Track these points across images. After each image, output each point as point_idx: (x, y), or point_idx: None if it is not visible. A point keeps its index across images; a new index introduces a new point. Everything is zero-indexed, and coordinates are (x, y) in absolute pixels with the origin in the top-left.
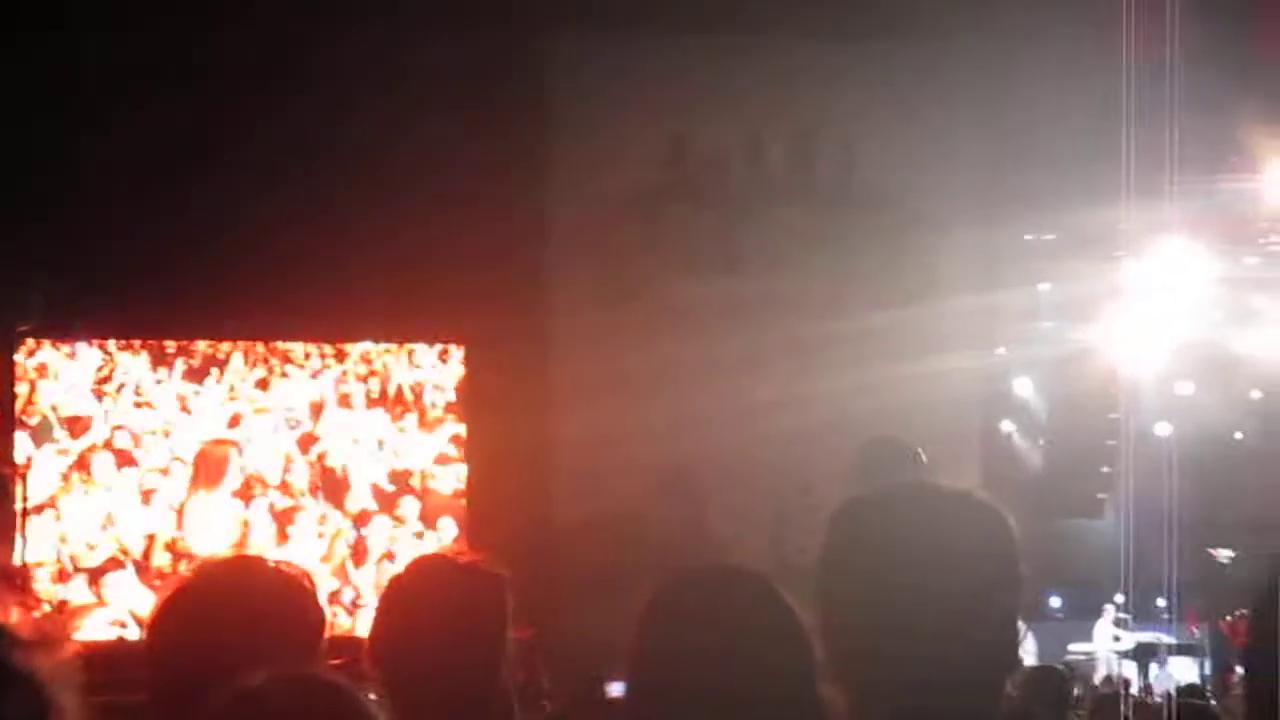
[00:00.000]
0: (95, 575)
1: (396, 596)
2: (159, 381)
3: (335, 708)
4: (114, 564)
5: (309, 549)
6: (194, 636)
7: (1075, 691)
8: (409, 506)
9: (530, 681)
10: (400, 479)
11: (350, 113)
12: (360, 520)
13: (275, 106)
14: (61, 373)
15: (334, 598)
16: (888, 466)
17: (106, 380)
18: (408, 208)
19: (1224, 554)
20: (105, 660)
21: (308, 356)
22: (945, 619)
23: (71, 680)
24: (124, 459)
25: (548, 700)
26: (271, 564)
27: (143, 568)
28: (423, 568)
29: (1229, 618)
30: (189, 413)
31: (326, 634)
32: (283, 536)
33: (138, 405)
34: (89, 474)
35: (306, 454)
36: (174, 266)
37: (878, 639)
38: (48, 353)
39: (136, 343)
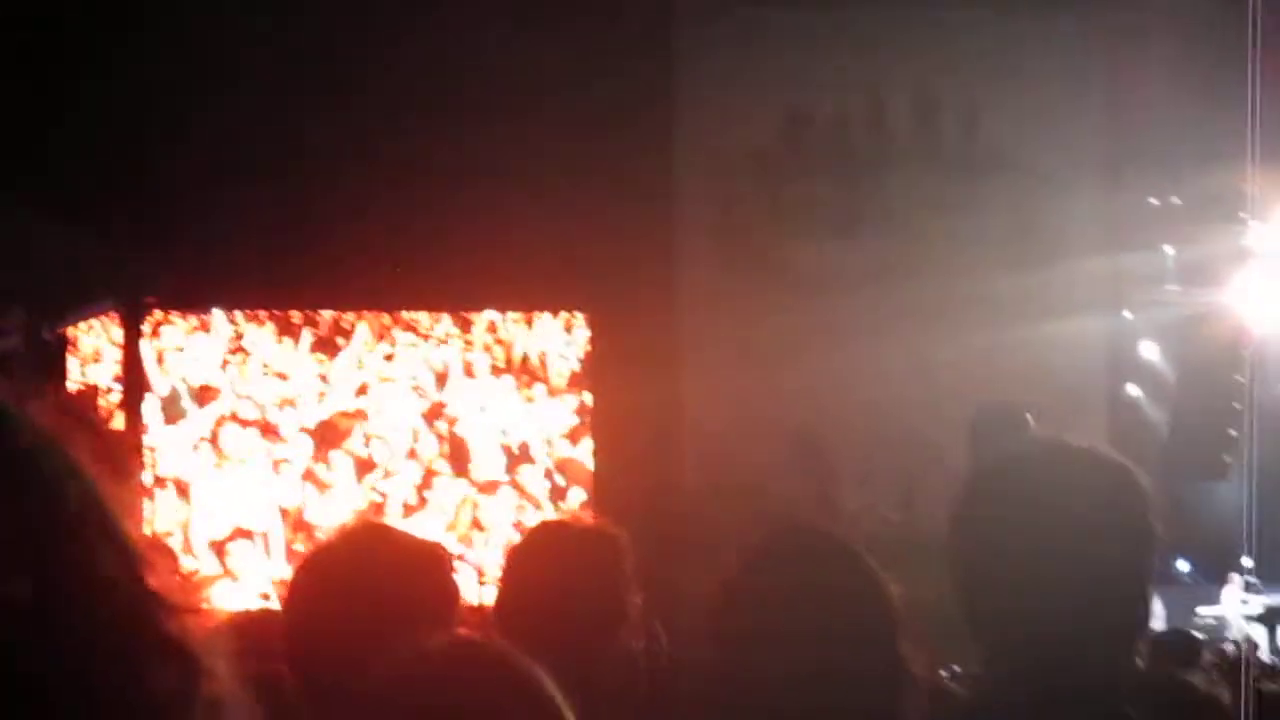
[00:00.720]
0: (221, 547)
1: (516, 561)
2: (285, 353)
3: (509, 675)
4: (240, 534)
5: (437, 519)
6: (329, 604)
7: (1204, 655)
8: (534, 476)
9: (651, 646)
10: (526, 449)
11: (471, 75)
12: (487, 489)
13: (391, 66)
14: (189, 344)
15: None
16: (999, 432)
17: (234, 352)
18: (531, 175)
19: None
20: (235, 630)
21: (433, 326)
22: (1078, 577)
23: (222, 647)
24: (252, 429)
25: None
26: (405, 533)
27: (272, 539)
28: (541, 532)
29: None
30: (317, 383)
31: (460, 604)
32: (411, 507)
33: (264, 376)
34: (218, 446)
35: (433, 424)
36: (297, 236)
37: (1012, 598)
38: (175, 325)
39: (262, 313)
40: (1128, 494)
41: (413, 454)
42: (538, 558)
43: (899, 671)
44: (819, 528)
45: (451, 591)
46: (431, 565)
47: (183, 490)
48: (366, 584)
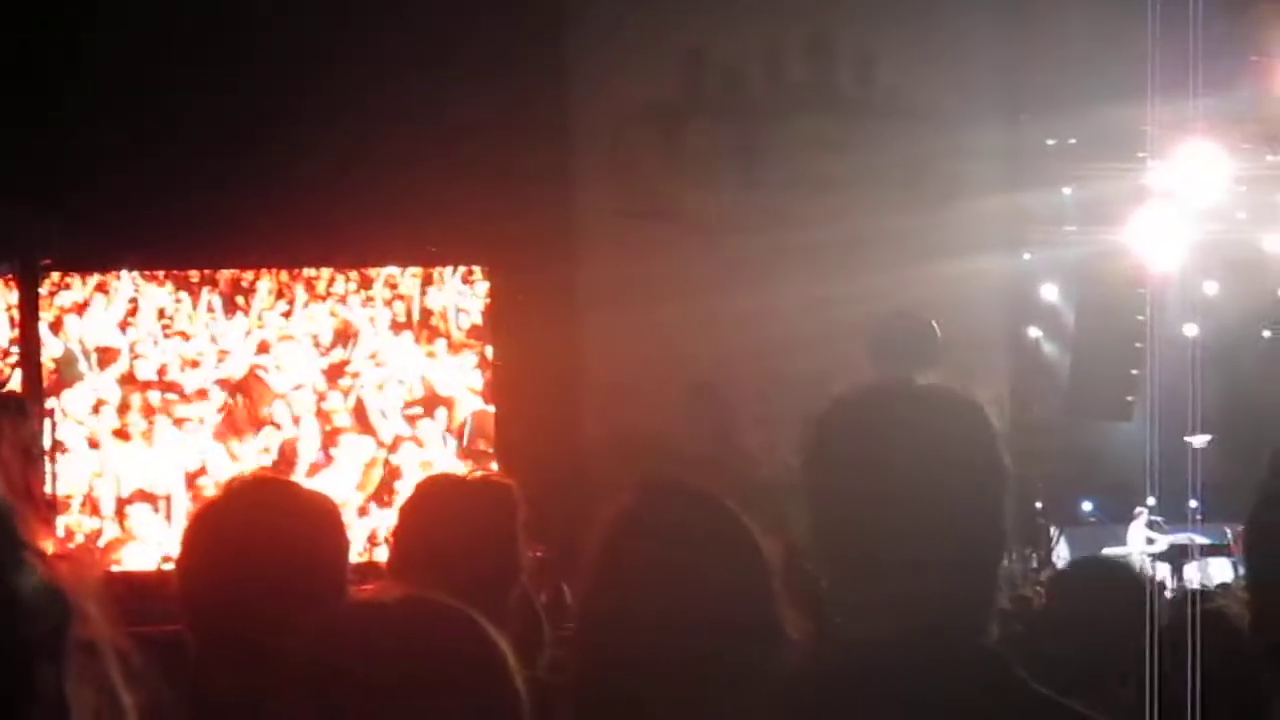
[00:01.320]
0: (120, 508)
1: (408, 516)
2: (183, 311)
3: (462, 630)
4: (141, 497)
5: (344, 477)
6: (220, 558)
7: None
8: (436, 431)
9: (554, 600)
10: (430, 403)
11: (364, 34)
12: (392, 448)
13: (290, 28)
14: (87, 305)
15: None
16: (904, 341)
17: (132, 313)
18: (426, 128)
19: (1199, 439)
20: (140, 591)
21: (332, 282)
22: (931, 513)
23: (95, 592)
24: (153, 390)
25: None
26: (294, 484)
27: (174, 501)
28: (431, 486)
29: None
30: (216, 342)
31: (348, 557)
32: (317, 465)
33: (166, 336)
34: (119, 408)
35: (335, 381)
36: (194, 195)
37: (865, 537)
38: (71, 288)
39: (160, 273)
40: (976, 430)
41: (318, 412)
42: (429, 511)
43: (771, 628)
44: (688, 483)
45: (342, 544)
46: (320, 517)
47: (84, 452)
48: (256, 536)
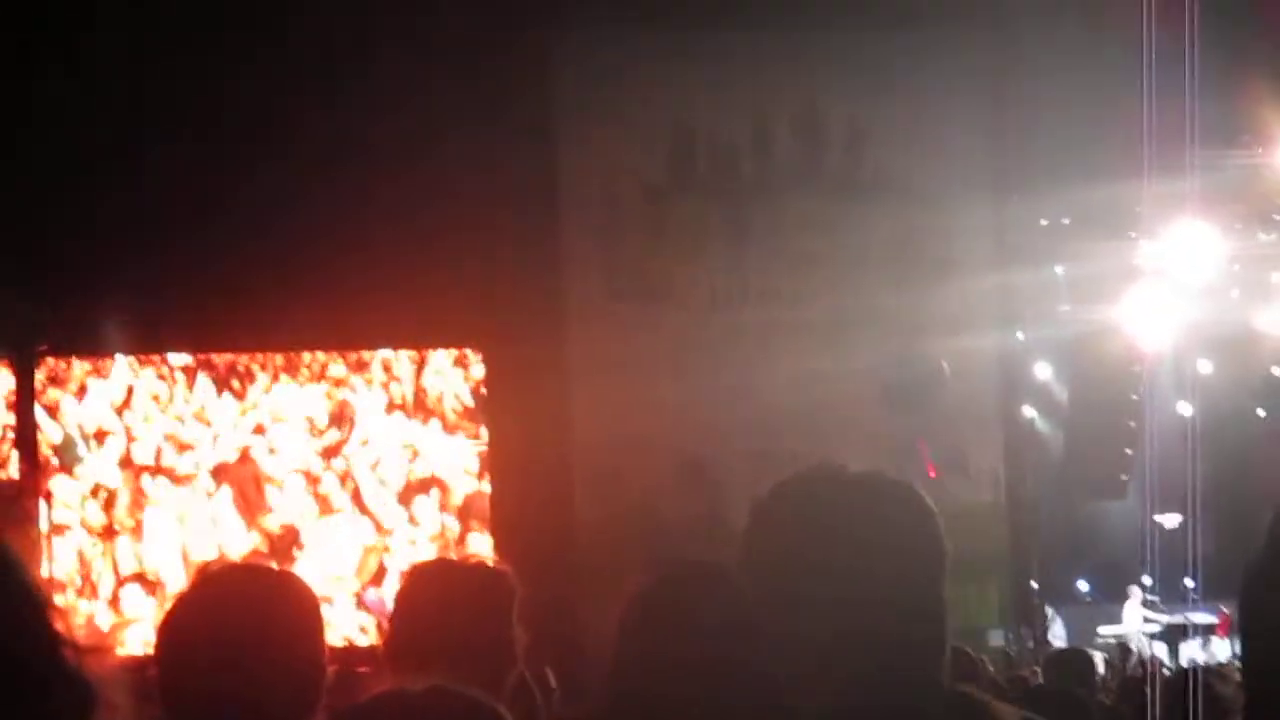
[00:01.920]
0: (116, 591)
1: (404, 599)
2: (178, 395)
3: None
4: (136, 579)
5: (338, 558)
6: (196, 645)
7: (1101, 672)
8: (431, 511)
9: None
10: (425, 486)
11: (360, 126)
12: (386, 532)
13: (283, 110)
14: (85, 389)
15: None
16: (916, 383)
17: (128, 397)
18: (419, 215)
19: (1170, 519)
20: (135, 673)
21: (325, 366)
22: (865, 600)
23: (120, 680)
24: (149, 473)
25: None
26: (270, 570)
27: (169, 583)
28: (427, 570)
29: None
30: (209, 425)
31: (323, 638)
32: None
33: (160, 419)
34: (115, 491)
35: (330, 463)
36: (187, 282)
37: (803, 621)
38: (68, 372)
39: (156, 358)
40: (912, 513)
41: (315, 495)
42: (425, 597)
43: (781, 709)
44: (705, 563)
45: (317, 626)
46: (296, 602)
47: (81, 536)
48: (229, 624)
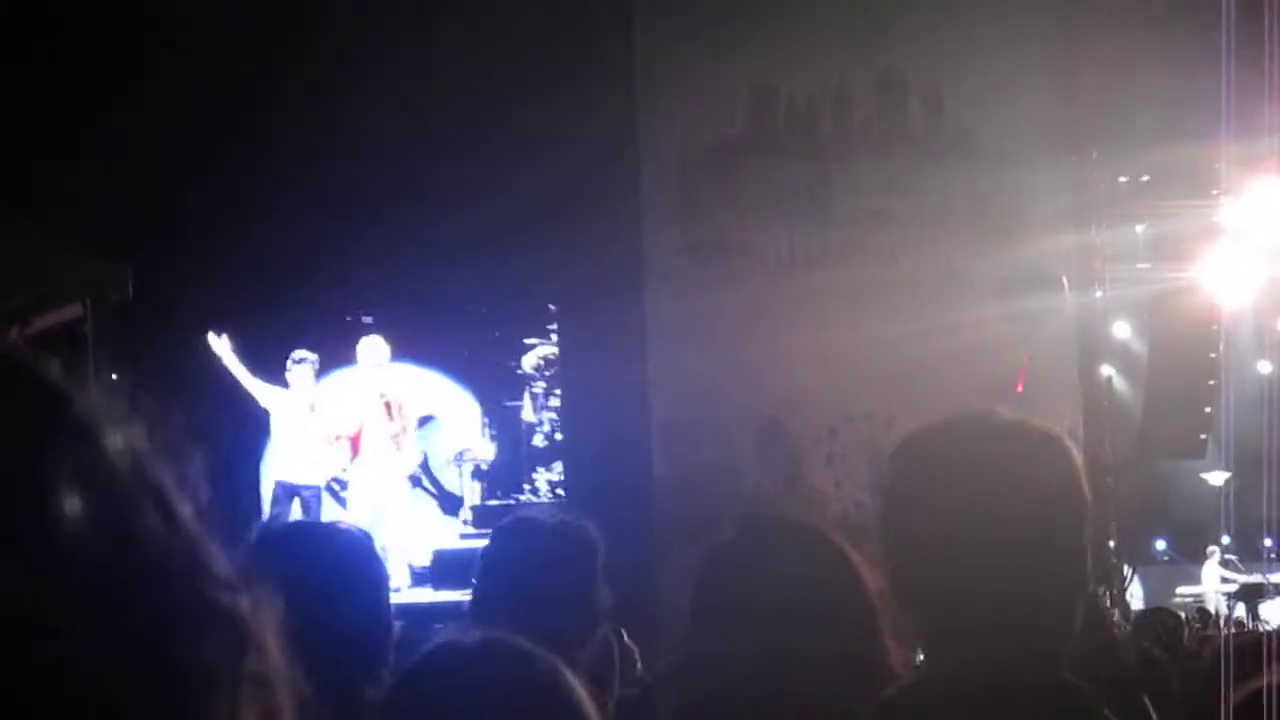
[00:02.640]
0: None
1: (491, 557)
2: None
3: (539, 674)
4: None
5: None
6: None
7: (1184, 633)
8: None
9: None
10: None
11: (444, 87)
12: None
13: (373, 79)
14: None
15: None
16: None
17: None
18: (498, 174)
19: (1217, 476)
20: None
21: None
22: (1012, 548)
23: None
24: None
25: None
26: (335, 526)
27: None
28: (511, 526)
29: None
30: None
31: (388, 593)
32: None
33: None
34: None
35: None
36: (273, 245)
37: (944, 574)
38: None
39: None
40: (1056, 462)
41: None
42: (511, 555)
43: (874, 662)
44: (790, 517)
45: (378, 581)
46: (360, 556)
47: None
48: (294, 581)
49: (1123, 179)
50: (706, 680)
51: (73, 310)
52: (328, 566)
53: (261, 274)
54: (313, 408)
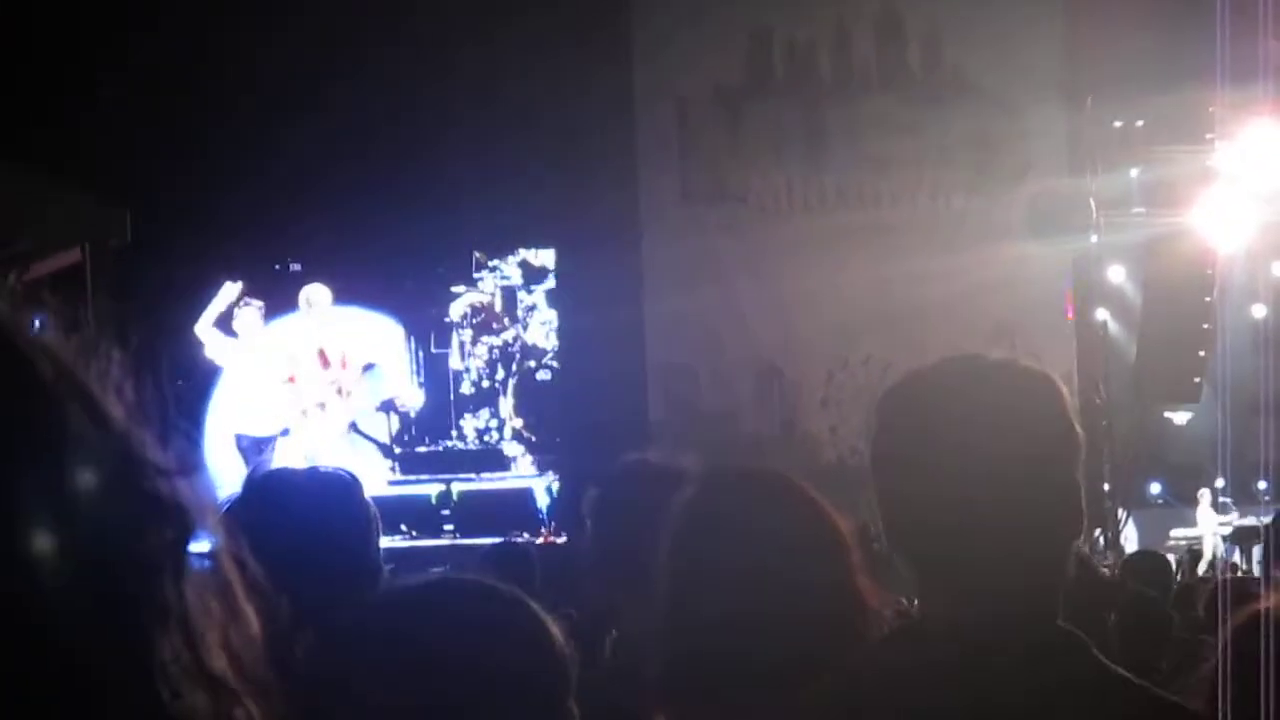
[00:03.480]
0: None
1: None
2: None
3: (496, 608)
4: None
5: None
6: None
7: (1177, 575)
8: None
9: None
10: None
11: (445, 35)
12: None
13: (375, 33)
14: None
15: None
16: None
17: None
18: (498, 120)
19: (1180, 416)
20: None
21: None
22: (1004, 487)
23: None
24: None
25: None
26: (311, 471)
27: None
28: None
29: None
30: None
31: (377, 538)
32: None
33: None
34: None
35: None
36: (276, 192)
37: (936, 515)
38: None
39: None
40: (1047, 402)
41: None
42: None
43: (852, 608)
44: (755, 470)
45: (366, 524)
46: (348, 500)
47: None
48: (284, 526)
49: (1118, 124)
50: (684, 642)
51: (71, 255)
52: (312, 510)
53: (256, 224)
54: (261, 353)
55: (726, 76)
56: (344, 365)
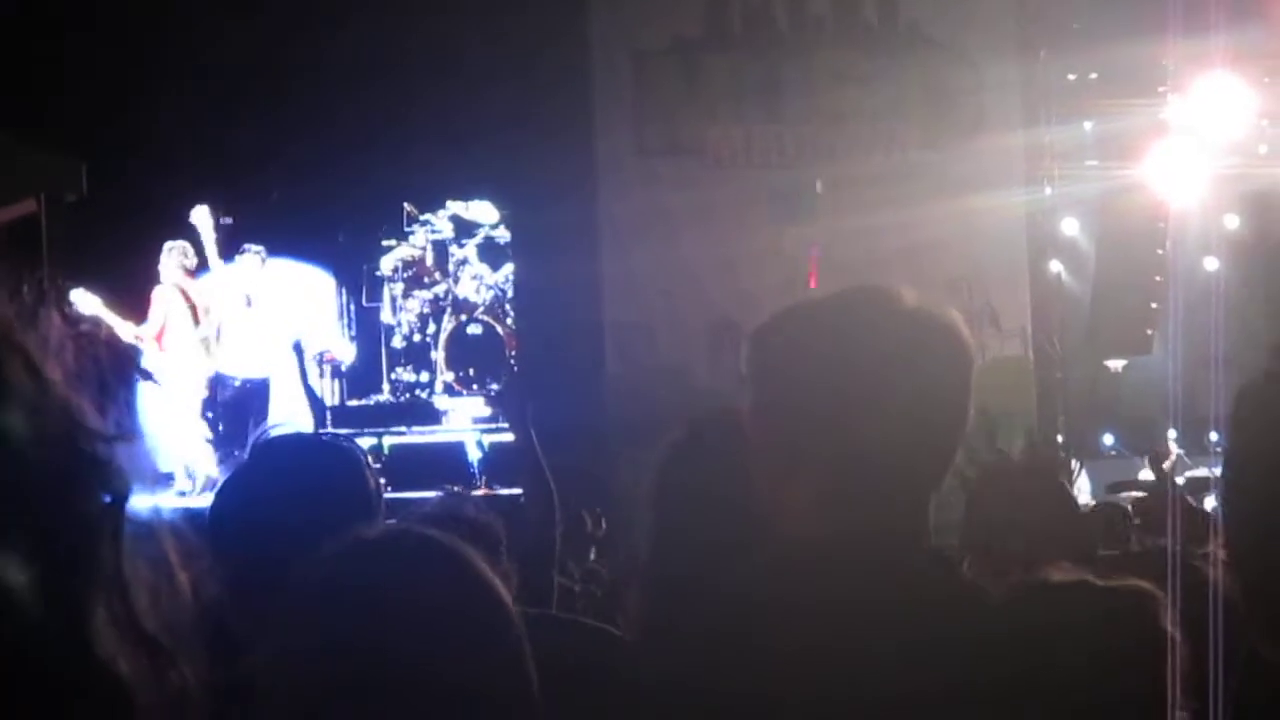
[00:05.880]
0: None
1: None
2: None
3: (447, 561)
4: None
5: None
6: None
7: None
8: None
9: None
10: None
11: None
12: None
13: None
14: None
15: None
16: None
17: None
18: (448, 69)
19: (1116, 364)
20: None
21: None
22: (884, 416)
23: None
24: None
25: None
26: (326, 439)
27: None
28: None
29: None
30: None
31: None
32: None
33: None
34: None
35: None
36: (230, 145)
37: (822, 444)
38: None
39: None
40: (945, 353)
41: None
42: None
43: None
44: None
45: (371, 488)
46: (343, 463)
47: None
48: (290, 490)
49: (1071, 76)
50: (672, 596)
51: (26, 207)
52: (317, 480)
53: (206, 177)
54: (250, 300)
55: (683, 30)
56: (210, 321)
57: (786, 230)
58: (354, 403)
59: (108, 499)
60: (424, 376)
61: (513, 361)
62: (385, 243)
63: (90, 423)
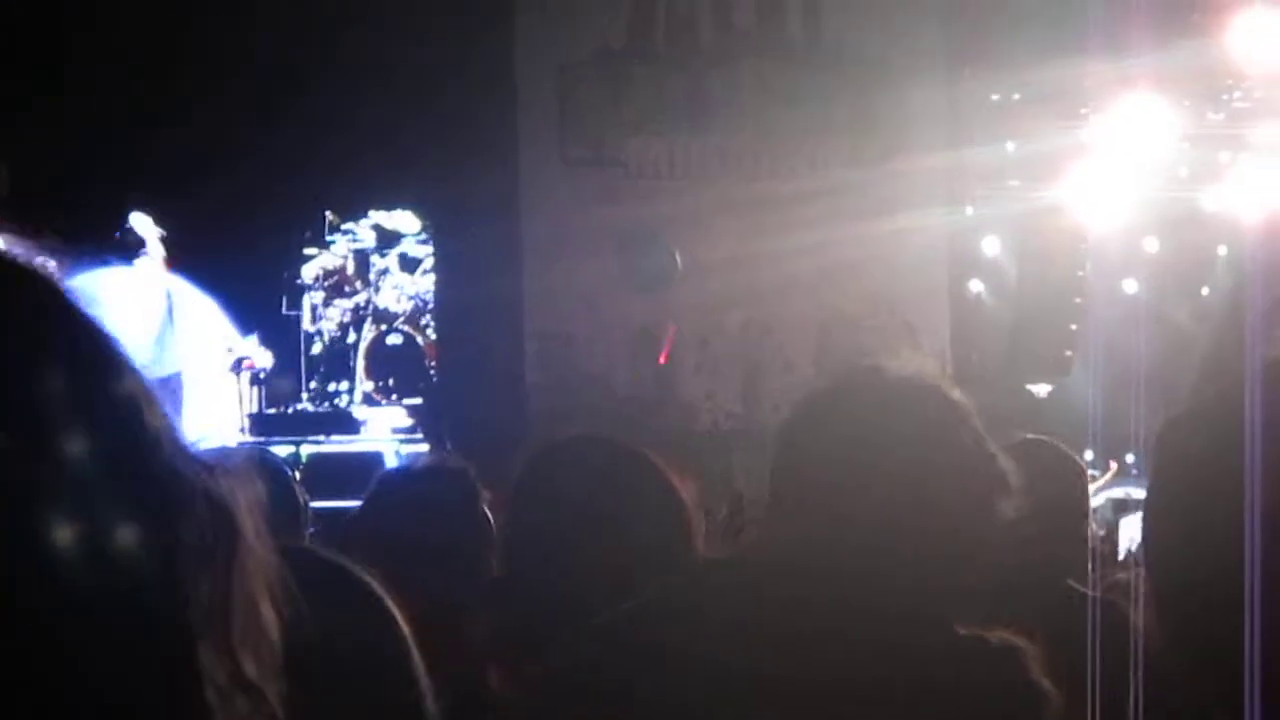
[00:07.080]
0: None
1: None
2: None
3: (348, 584)
4: None
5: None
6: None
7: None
8: None
9: None
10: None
11: None
12: None
13: None
14: None
15: None
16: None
17: None
18: (369, 79)
19: (1041, 389)
20: None
21: None
22: (907, 504)
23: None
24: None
25: None
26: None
27: None
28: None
29: None
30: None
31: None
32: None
33: None
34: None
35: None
36: (161, 146)
37: (840, 529)
38: None
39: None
40: (948, 414)
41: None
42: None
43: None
44: (604, 436)
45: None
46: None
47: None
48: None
49: (995, 96)
50: (517, 606)
51: None
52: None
53: (124, 183)
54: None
55: (608, 42)
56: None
57: (637, 300)
58: (272, 411)
59: (217, 529)
60: (343, 385)
61: (432, 372)
62: (306, 251)
63: (196, 455)
